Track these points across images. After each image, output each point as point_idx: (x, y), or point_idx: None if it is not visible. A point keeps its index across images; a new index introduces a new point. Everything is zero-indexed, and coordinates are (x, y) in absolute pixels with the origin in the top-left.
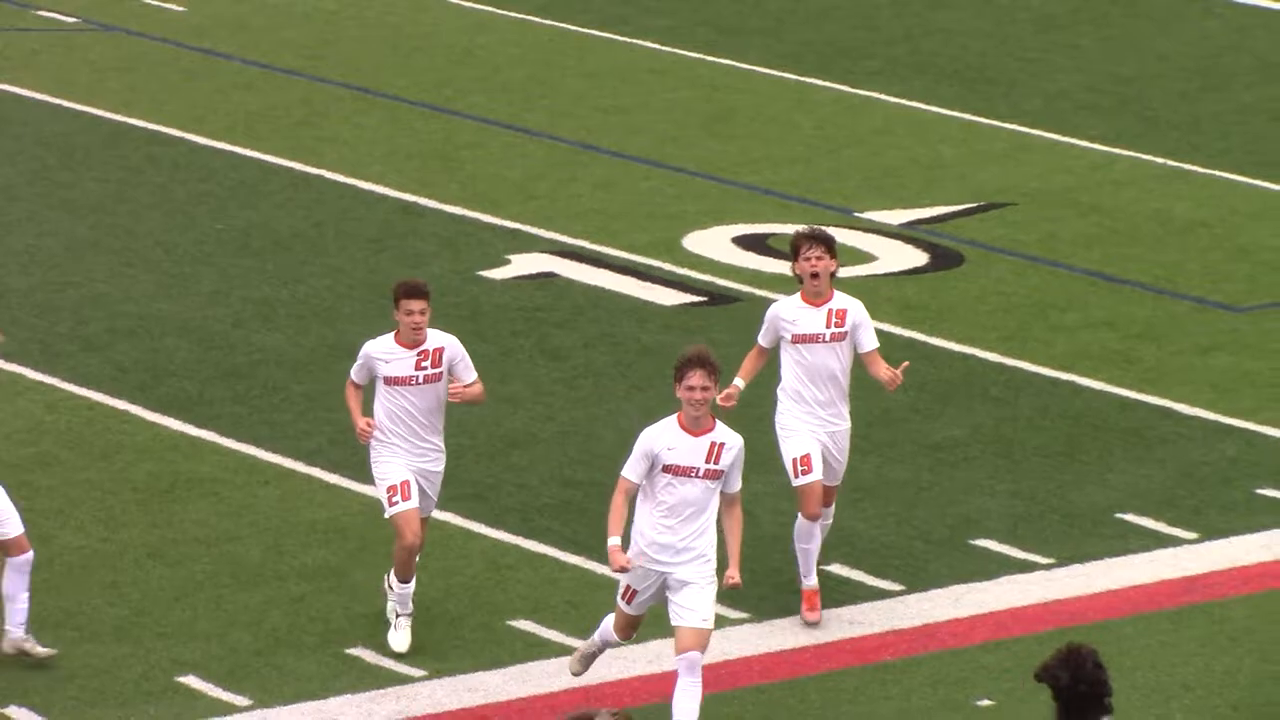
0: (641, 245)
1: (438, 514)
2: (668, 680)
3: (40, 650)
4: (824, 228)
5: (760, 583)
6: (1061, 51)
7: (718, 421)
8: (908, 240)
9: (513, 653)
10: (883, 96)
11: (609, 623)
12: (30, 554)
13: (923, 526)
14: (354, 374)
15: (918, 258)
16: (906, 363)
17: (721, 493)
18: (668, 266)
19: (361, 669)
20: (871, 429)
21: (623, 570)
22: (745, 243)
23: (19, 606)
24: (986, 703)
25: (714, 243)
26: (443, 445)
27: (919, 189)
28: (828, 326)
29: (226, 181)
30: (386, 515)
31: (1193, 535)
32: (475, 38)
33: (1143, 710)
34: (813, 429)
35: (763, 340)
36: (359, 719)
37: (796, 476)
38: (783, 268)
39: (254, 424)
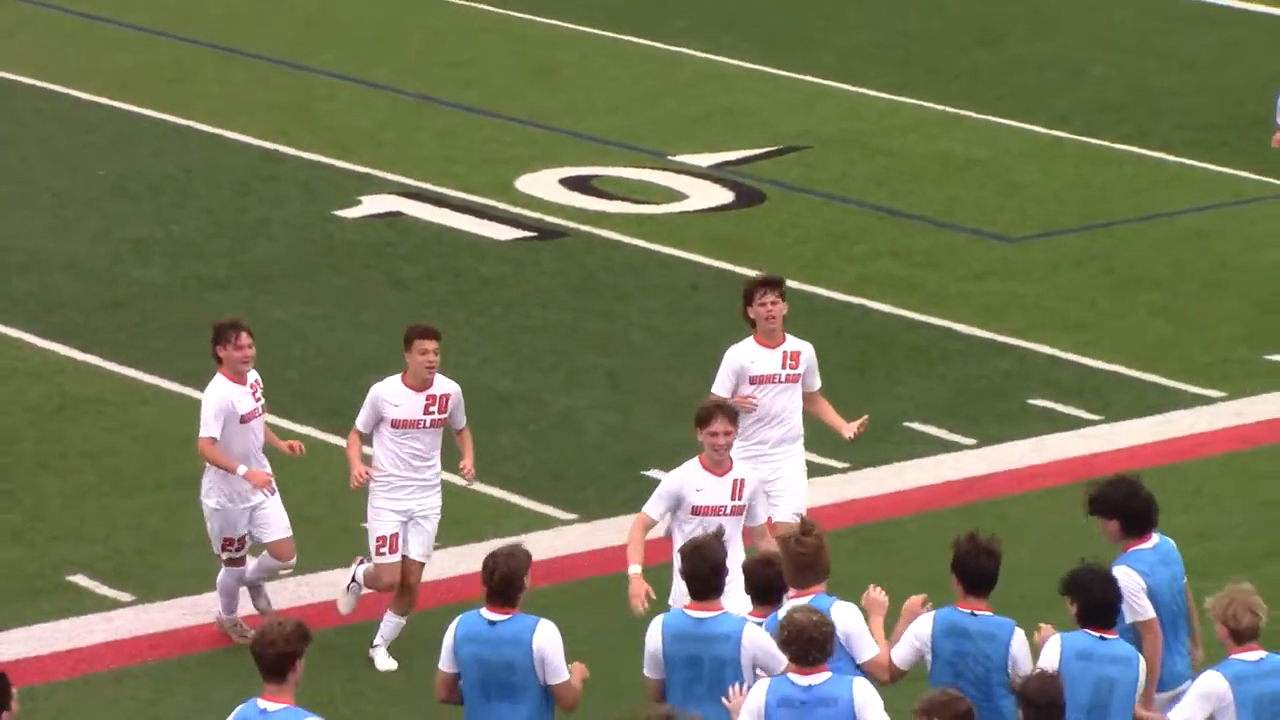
0: (478, 187)
1: (300, 427)
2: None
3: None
4: (776, 275)
5: (586, 486)
6: (853, 10)
7: (734, 460)
8: (716, 180)
9: (365, 552)
10: (692, 52)
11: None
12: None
13: None
14: (360, 422)
15: (724, 196)
16: (866, 416)
17: (749, 526)
18: (502, 205)
19: None
20: (686, 350)
21: (644, 598)
22: (571, 184)
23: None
24: None
25: (543, 184)
26: (439, 482)
27: (726, 134)
28: (783, 368)
29: (106, 132)
30: (372, 563)
31: (972, 441)
32: (328, 1)
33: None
34: (755, 467)
35: (721, 390)
36: None
37: None
38: (604, 206)
39: (134, 349)
